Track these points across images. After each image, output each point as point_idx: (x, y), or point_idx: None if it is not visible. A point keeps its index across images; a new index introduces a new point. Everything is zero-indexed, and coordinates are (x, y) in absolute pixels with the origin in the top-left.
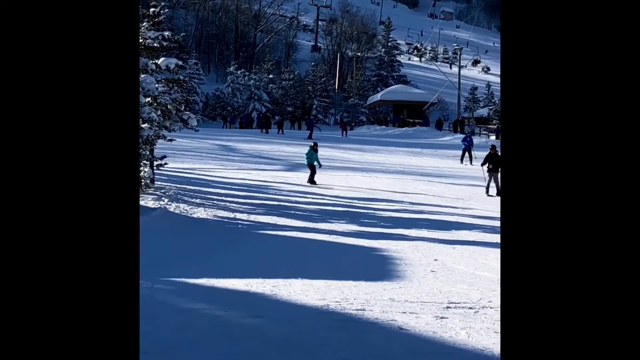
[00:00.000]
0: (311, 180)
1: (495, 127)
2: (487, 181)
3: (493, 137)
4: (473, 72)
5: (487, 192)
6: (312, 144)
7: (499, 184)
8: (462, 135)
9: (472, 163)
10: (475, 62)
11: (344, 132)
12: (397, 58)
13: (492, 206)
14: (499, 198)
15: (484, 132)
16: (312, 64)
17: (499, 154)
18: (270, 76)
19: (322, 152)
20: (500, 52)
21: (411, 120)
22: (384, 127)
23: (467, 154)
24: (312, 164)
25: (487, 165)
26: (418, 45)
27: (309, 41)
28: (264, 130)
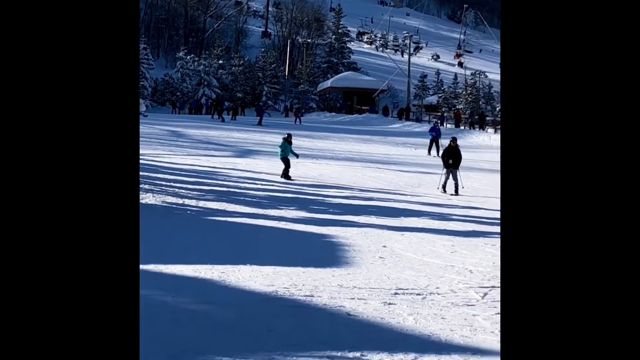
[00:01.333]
0: (285, 175)
1: (443, 114)
2: (444, 177)
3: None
4: (423, 60)
5: (444, 189)
6: (286, 135)
7: (458, 181)
8: (410, 123)
9: (438, 154)
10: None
11: (297, 120)
12: (348, 45)
13: (439, 193)
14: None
15: (433, 119)
16: (262, 50)
17: (459, 147)
18: (220, 62)
19: (271, 138)
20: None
21: (359, 107)
22: (334, 114)
23: (435, 145)
24: (286, 157)
25: (446, 159)
26: (368, 32)
27: (259, 27)
28: (217, 117)
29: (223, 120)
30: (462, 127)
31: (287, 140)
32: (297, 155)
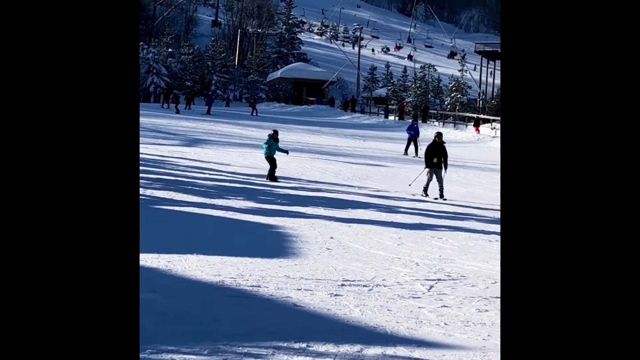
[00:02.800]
0: (272, 176)
1: (394, 107)
2: (426, 178)
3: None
4: (372, 52)
5: (426, 192)
6: (272, 132)
7: (443, 183)
8: (359, 115)
9: (418, 154)
10: (398, 48)
11: (254, 111)
12: (298, 36)
13: (387, 185)
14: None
15: (382, 112)
16: (212, 39)
17: (445, 144)
18: (170, 50)
19: (220, 128)
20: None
21: (306, 99)
22: (283, 104)
23: (413, 145)
24: (272, 156)
25: (430, 157)
26: (319, 24)
27: (210, 16)
28: (172, 107)
29: (178, 112)
30: (405, 119)
31: (273, 137)
32: (286, 152)
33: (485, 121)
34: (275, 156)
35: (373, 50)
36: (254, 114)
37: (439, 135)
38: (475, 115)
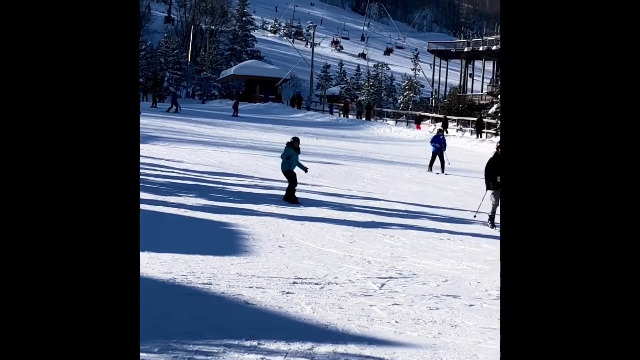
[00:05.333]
0: (290, 197)
1: (343, 104)
2: (492, 205)
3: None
4: (326, 50)
5: (493, 223)
6: (292, 139)
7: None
8: (313, 113)
9: (445, 171)
10: (335, 43)
11: (235, 112)
12: (251, 33)
13: (339, 183)
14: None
15: (336, 110)
16: (165, 35)
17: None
18: None
19: (172, 124)
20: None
21: (255, 95)
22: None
23: (439, 159)
24: (291, 171)
25: (493, 175)
26: (272, 21)
27: (162, 12)
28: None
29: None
30: (350, 117)
31: (294, 146)
32: (305, 169)
33: (428, 118)
34: (295, 170)
35: (337, 49)
36: (235, 114)
37: (500, 145)
38: (417, 113)
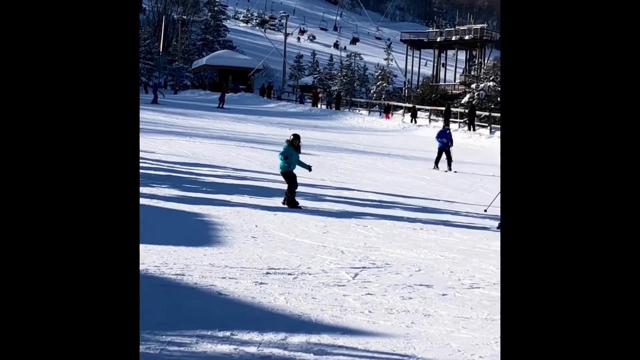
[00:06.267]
0: (291, 201)
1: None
2: None
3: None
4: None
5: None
6: (291, 136)
7: None
8: (285, 103)
9: (452, 167)
10: (301, 32)
11: (221, 103)
12: (224, 23)
13: (313, 174)
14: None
15: (308, 100)
16: None
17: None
18: None
19: (145, 115)
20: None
21: (225, 85)
22: (208, 92)
23: (446, 156)
24: (291, 172)
25: None
26: (244, 11)
27: None
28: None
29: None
30: (320, 107)
31: (293, 144)
32: (309, 168)
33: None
34: (295, 171)
35: (299, 39)
36: (221, 106)
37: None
38: (385, 102)
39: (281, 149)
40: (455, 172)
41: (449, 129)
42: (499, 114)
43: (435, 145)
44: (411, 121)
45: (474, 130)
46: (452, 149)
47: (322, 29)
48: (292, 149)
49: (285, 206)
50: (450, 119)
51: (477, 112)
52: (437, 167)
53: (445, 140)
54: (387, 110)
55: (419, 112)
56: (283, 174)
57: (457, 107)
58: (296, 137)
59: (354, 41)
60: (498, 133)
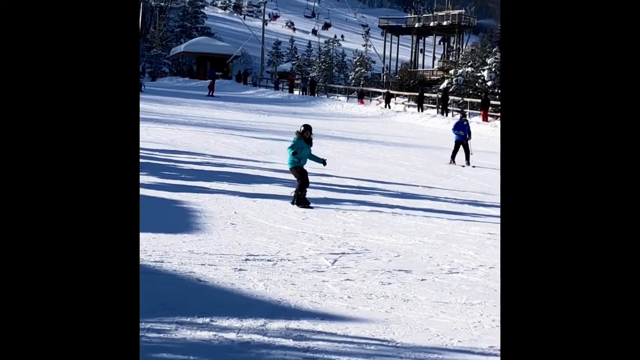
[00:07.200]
0: (300, 199)
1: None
2: None
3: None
4: (277, 27)
5: None
6: (302, 128)
7: None
8: (264, 90)
9: (469, 162)
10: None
11: (211, 92)
12: (202, 10)
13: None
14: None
15: (286, 87)
16: None
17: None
18: None
19: None
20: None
21: (201, 72)
22: (187, 78)
23: (464, 150)
24: (301, 167)
25: None
26: None
27: None
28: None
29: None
30: (296, 93)
31: (303, 136)
32: (323, 162)
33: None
34: (306, 167)
35: (266, 22)
36: (211, 94)
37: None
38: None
39: (291, 142)
40: (473, 166)
41: (467, 121)
42: (475, 100)
43: (452, 137)
44: (385, 107)
45: (446, 115)
46: (471, 142)
47: (306, 16)
48: (302, 142)
49: (296, 206)
50: (424, 104)
51: (452, 97)
52: (454, 162)
53: (462, 133)
54: (361, 96)
55: (397, 98)
56: (292, 169)
57: (434, 93)
58: (307, 128)
59: (326, 26)
60: (476, 118)
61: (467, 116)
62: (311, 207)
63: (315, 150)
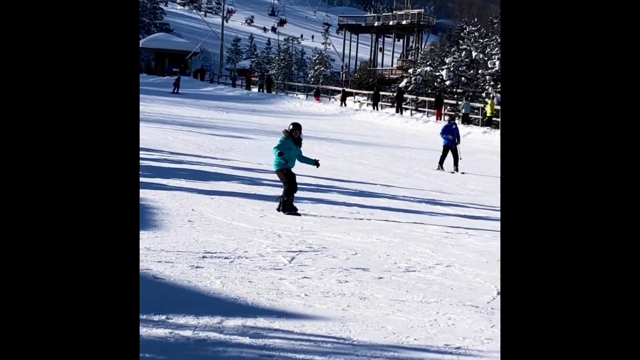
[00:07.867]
0: (287, 205)
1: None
2: None
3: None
4: (236, 24)
5: None
6: (290, 126)
7: None
8: (223, 87)
9: (459, 168)
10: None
11: (176, 89)
12: (160, 5)
13: (250, 157)
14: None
15: (244, 84)
16: None
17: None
18: None
19: None
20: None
21: (159, 68)
22: (145, 75)
23: (452, 155)
24: (288, 170)
25: None
26: None
27: None
28: None
29: None
30: (253, 90)
31: (292, 135)
32: (315, 163)
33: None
34: (294, 170)
35: (227, 19)
36: (176, 91)
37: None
38: (316, 86)
39: (277, 142)
40: (462, 173)
41: (456, 124)
42: (432, 99)
43: (441, 142)
44: (341, 105)
45: (401, 113)
46: (459, 147)
47: (270, 14)
48: (290, 142)
49: (282, 213)
50: (379, 102)
51: (408, 96)
52: (442, 168)
53: (451, 137)
54: (317, 94)
55: (356, 96)
56: (278, 172)
57: (392, 92)
58: (296, 126)
59: (282, 23)
60: (433, 118)
61: (455, 119)
62: (299, 215)
63: (272, 146)
